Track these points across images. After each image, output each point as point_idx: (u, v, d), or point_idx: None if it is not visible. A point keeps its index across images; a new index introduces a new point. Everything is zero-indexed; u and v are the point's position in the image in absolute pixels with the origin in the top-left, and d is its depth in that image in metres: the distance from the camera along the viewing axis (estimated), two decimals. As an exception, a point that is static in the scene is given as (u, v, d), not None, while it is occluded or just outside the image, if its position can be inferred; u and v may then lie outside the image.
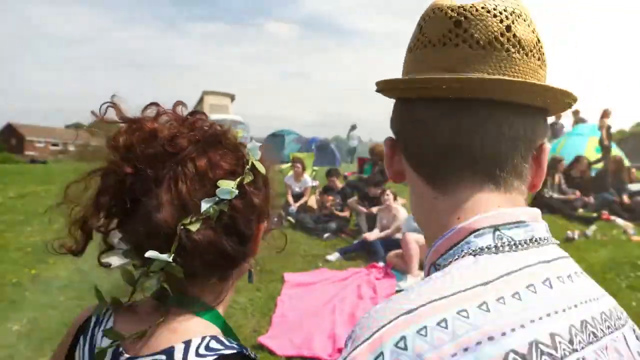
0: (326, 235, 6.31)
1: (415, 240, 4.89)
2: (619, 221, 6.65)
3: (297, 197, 7.55)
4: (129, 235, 0.67)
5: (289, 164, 9.02)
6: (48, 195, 8.40)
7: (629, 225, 6.47)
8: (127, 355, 0.63)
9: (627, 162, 9.98)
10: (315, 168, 10.11)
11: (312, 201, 7.39)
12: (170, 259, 0.60)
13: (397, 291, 4.63)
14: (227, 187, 0.63)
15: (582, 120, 12.03)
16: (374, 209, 6.05)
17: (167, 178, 0.62)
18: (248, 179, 0.66)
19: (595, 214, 7.00)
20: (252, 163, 0.68)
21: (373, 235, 5.66)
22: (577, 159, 7.89)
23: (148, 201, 0.62)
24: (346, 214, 6.71)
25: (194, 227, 0.61)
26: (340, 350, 3.51)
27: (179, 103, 0.70)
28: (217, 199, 0.63)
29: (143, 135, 0.65)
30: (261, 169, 0.69)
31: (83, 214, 0.67)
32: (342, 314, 4.07)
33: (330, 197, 6.87)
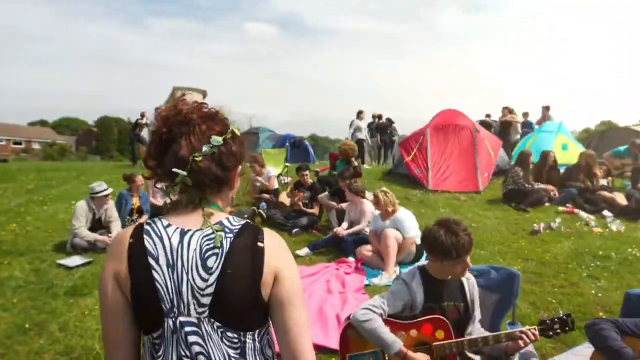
0: (295, 230, 6.25)
1: (394, 236, 4.89)
2: (582, 214, 6.83)
3: (268, 191, 7.45)
4: (164, 167, 1.11)
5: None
6: (5, 194, 8.05)
7: (591, 218, 6.66)
8: (194, 229, 1.10)
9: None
10: (288, 164, 10.03)
11: (284, 197, 7.33)
12: (185, 174, 1.09)
13: (366, 286, 4.62)
14: (217, 139, 1.12)
15: (550, 118, 12.36)
16: (344, 205, 6.03)
17: (185, 134, 1.11)
18: (229, 136, 1.15)
19: (560, 208, 7.17)
20: (232, 129, 1.17)
21: (343, 229, 5.64)
22: (544, 154, 8.07)
23: (175, 146, 1.10)
24: (316, 210, 6.67)
25: (198, 159, 1.09)
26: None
27: (182, 97, 1.18)
28: (211, 145, 1.11)
29: (175, 111, 1.13)
30: (237, 132, 1.18)
31: (144, 157, 1.16)
32: (310, 309, 4.01)
33: (300, 193, 6.82)
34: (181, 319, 1.06)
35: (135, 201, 6.02)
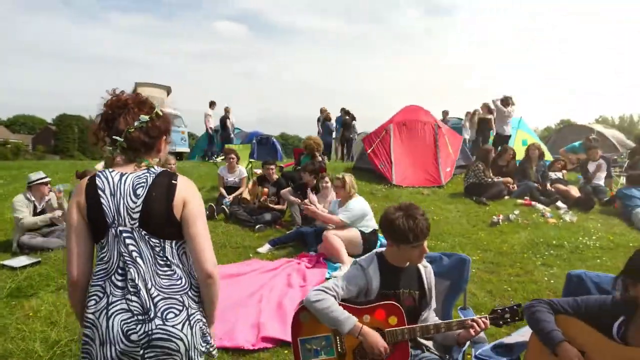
0: (258, 226, 6.15)
1: (334, 234, 4.94)
2: (539, 206, 7.06)
3: (232, 188, 7.34)
4: (109, 136, 1.64)
5: (223, 157, 8.74)
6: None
7: (546, 209, 6.90)
8: (129, 172, 1.65)
9: (547, 153, 10.74)
10: (252, 160, 9.91)
11: (246, 193, 7.21)
12: (122, 140, 1.62)
13: (327, 279, 4.59)
14: (144, 117, 1.65)
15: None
16: (314, 197, 5.99)
17: (123, 114, 1.63)
18: (153, 116, 1.68)
19: (518, 200, 7.39)
20: (156, 111, 1.70)
21: (315, 205, 5.63)
22: (504, 149, 8.29)
23: (116, 122, 1.63)
24: (282, 205, 6.59)
25: (131, 130, 1.62)
26: (264, 339, 3.41)
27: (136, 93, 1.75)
28: (140, 121, 1.64)
29: (117, 99, 1.66)
30: (160, 113, 1.71)
31: (94, 131, 1.67)
32: (270, 303, 3.94)
33: (265, 190, 6.72)
34: (120, 228, 1.60)
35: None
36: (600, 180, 7.90)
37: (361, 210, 5.08)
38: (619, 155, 11.33)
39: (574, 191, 7.53)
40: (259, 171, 8.61)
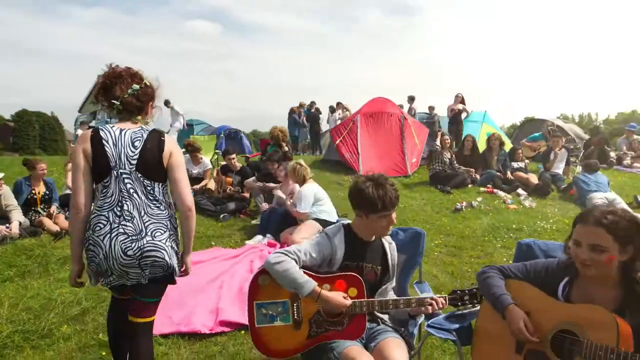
0: (223, 216, 6.04)
1: (288, 233, 4.95)
2: (500, 193, 7.25)
3: (197, 180, 7.18)
4: (108, 100, 2.12)
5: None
6: None
7: (507, 196, 7.08)
8: (127, 128, 2.13)
9: (508, 142, 11.07)
10: (218, 151, 9.74)
11: (211, 184, 7.07)
12: (118, 103, 2.12)
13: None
14: (136, 86, 2.14)
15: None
16: (271, 185, 5.92)
17: (119, 83, 2.11)
18: (142, 85, 2.16)
19: (481, 188, 7.56)
20: (145, 82, 2.18)
21: (280, 194, 5.56)
22: (466, 138, 8.46)
23: (113, 90, 2.11)
24: (246, 194, 6.49)
25: (125, 96, 2.12)
26: (222, 323, 3.33)
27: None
28: (132, 89, 2.13)
29: (113, 71, 2.14)
30: (148, 83, 2.20)
31: (95, 95, 2.20)
32: (230, 289, 3.86)
33: (229, 178, 6.60)
34: (121, 171, 2.07)
35: (39, 190, 5.48)
36: (558, 169, 8.18)
37: (313, 195, 5.00)
38: (575, 145, 11.77)
39: (534, 179, 7.77)
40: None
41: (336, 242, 2.21)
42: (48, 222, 5.22)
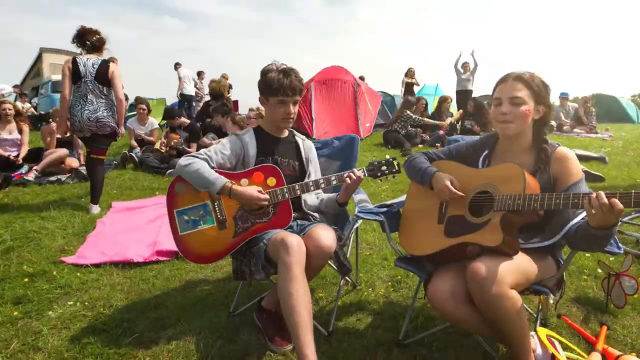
0: (170, 171, 5.85)
1: None
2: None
3: (144, 141, 6.93)
4: (82, 42, 4.17)
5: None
6: None
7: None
8: (92, 58, 4.19)
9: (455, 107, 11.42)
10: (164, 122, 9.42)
11: (158, 145, 6.83)
12: (89, 44, 4.20)
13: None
14: (97, 37, 4.22)
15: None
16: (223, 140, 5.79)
17: (89, 34, 4.17)
18: (99, 36, 4.22)
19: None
20: (101, 36, 4.25)
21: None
22: (417, 100, 8.65)
23: (84, 38, 4.17)
24: (192, 150, 6.32)
25: (93, 39, 4.19)
26: (159, 253, 3.22)
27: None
28: (95, 38, 4.20)
29: (85, 28, 4.18)
30: (104, 38, 4.27)
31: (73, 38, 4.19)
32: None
33: (176, 135, 6.40)
34: (86, 79, 4.06)
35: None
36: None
37: None
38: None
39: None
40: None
41: (246, 139, 2.19)
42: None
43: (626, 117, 14.92)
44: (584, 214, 1.56)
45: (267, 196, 2.03)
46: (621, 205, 1.34)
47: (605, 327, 2.07)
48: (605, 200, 1.36)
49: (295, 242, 1.83)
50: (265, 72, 2.13)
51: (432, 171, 1.90)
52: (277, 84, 2.08)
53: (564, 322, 2.18)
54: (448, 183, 1.80)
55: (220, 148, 2.14)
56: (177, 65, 11.82)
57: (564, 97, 11.67)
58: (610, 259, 2.91)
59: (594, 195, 1.39)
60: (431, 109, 10.84)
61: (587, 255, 2.99)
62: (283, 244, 1.82)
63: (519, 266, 1.57)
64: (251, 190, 2.02)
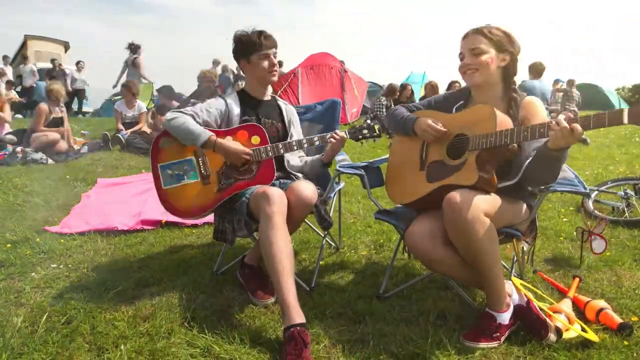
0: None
1: None
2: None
3: (132, 125, 6.87)
4: None
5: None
6: None
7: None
8: None
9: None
10: (155, 97, 9.38)
11: (145, 127, 6.79)
12: None
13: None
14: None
15: None
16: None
17: None
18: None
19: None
20: None
21: None
22: (404, 87, 8.69)
23: None
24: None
25: None
26: (144, 222, 3.22)
27: None
28: None
29: None
30: None
31: None
32: (156, 199, 3.72)
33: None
34: None
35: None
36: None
37: None
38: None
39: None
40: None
41: (230, 100, 2.22)
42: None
43: (609, 104, 15.15)
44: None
45: (251, 151, 2.06)
46: (581, 129, 1.42)
47: (577, 279, 2.14)
48: (566, 124, 1.43)
49: (276, 192, 1.86)
50: (240, 36, 2.17)
51: (414, 118, 1.94)
52: (257, 40, 2.13)
53: (540, 277, 2.25)
54: (430, 121, 1.84)
55: (205, 107, 2.16)
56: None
57: (557, 82, 11.87)
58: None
59: (553, 122, 1.47)
60: (418, 96, 10.94)
61: (565, 219, 3.07)
62: (264, 196, 1.85)
63: (493, 198, 1.64)
64: (235, 144, 2.04)
